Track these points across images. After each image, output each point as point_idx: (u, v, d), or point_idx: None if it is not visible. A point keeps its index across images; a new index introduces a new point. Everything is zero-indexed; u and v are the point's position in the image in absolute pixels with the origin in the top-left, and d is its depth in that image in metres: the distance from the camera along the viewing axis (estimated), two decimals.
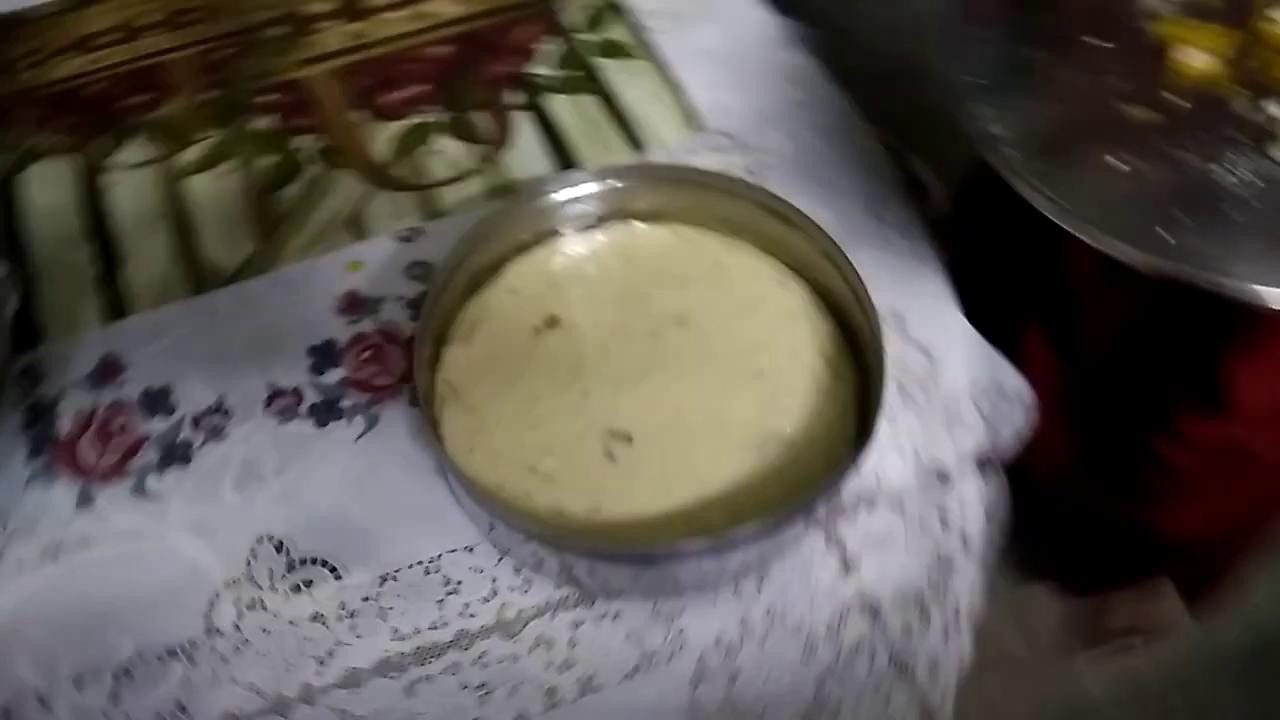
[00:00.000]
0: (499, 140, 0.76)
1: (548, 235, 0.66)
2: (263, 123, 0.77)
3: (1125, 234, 0.53)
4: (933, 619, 0.56)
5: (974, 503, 0.59)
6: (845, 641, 0.55)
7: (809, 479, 0.56)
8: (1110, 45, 0.62)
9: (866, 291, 0.58)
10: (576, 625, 0.56)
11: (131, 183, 0.74)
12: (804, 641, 0.55)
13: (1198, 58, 0.60)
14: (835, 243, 0.60)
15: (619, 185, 0.64)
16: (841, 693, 0.54)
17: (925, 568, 0.57)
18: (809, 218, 0.61)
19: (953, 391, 0.63)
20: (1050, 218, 0.54)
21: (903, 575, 0.57)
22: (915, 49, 0.70)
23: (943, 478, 0.60)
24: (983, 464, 0.61)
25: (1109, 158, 0.57)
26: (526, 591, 0.56)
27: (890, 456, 0.60)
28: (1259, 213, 0.54)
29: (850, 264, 0.60)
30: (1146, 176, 0.56)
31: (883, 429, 0.60)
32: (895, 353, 0.64)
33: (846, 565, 0.57)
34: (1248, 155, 0.57)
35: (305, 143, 0.76)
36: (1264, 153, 0.57)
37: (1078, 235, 0.53)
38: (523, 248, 0.65)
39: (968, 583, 0.57)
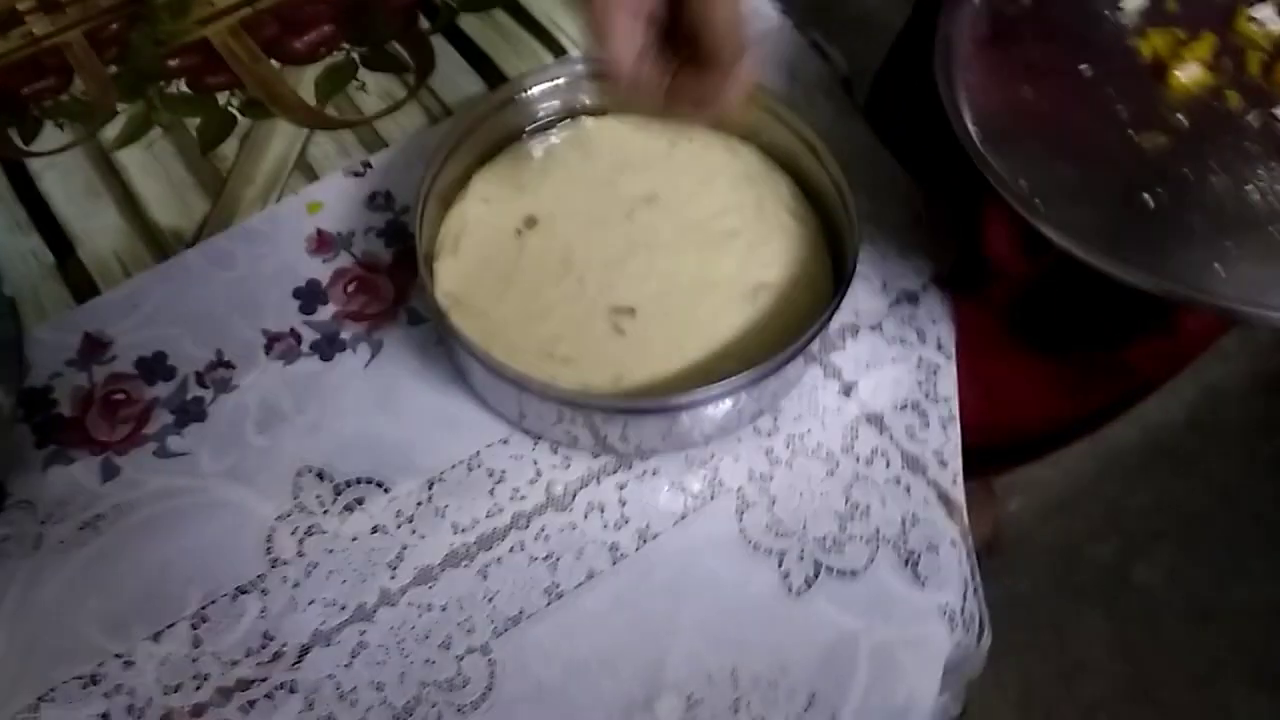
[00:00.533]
0: (422, 66, 0.77)
1: (504, 144, 0.68)
2: (177, 86, 0.76)
3: (1182, 275, 0.52)
4: (930, 417, 0.62)
5: (941, 313, 0.66)
6: (860, 453, 0.61)
7: (801, 317, 0.62)
8: (1104, 70, 0.61)
9: (819, 140, 0.63)
10: (621, 487, 0.60)
11: (60, 168, 0.72)
12: (825, 459, 0.61)
13: (1192, 70, 0.60)
14: (777, 99, 0.65)
15: (566, 82, 0.67)
16: (868, 495, 0.60)
17: (913, 376, 0.63)
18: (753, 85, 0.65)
19: (899, 224, 0.69)
20: (1121, 278, 0.52)
21: (895, 387, 0.63)
22: None
23: (910, 297, 0.66)
24: (940, 280, 0.67)
25: (1144, 195, 0.56)
26: (568, 467, 0.60)
27: (861, 288, 0.66)
28: None
29: (797, 117, 0.65)
30: (1183, 209, 0.55)
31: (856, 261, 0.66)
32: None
33: (846, 389, 0.63)
34: (1274, 169, 0.56)
35: (228, 98, 0.75)
36: None
37: (1143, 287, 0.51)
38: (483, 160, 0.68)
39: (950, 380, 0.63)
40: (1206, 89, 0.59)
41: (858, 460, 0.61)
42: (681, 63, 0.51)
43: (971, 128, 0.58)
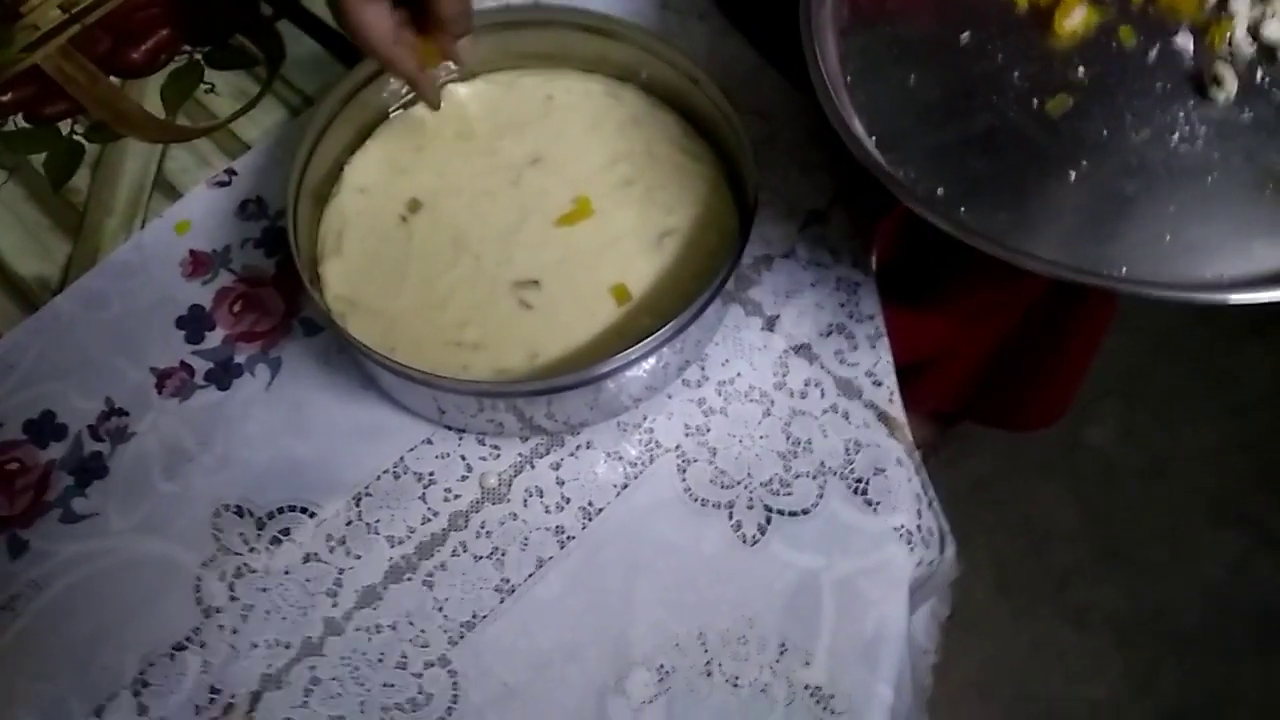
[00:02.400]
0: (273, 56, 0.72)
1: (372, 126, 0.64)
2: (15, 122, 0.70)
3: (1133, 254, 0.47)
4: (857, 337, 0.60)
5: (852, 228, 0.63)
6: (793, 387, 0.59)
7: (711, 257, 0.59)
8: (985, 34, 0.55)
9: (700, 71, 0.60)
10: (556, 467, 0.57)
11: None
12: (759, 400, 0.59)
13: (1077, 16, 0.54)
14: (655, 35, 0.62)
15: None
16: (807, 429, 0.58)
17: (834, 298, 0.61)
18: (624, 20, 0.62)
19: (797, 142, 0.66)
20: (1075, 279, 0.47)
21: (818, 312, 0.61)
22: None
23: (818, 217, 0.64)
24: (846, 195, 0.65)
25: (1071, 172, 0.50)
26: (498, 456, 0.58)
27: (766, 215, 0.64)
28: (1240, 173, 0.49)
29: (674, 50, 0.61)
30: (1110, 176, 0.50)
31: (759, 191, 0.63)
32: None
33: (769, 323, 0.61)
34: (1191, 109, 0.51)
35: (71, 127, 0.70)
36: (1206, 97, 0.51)
37: (1101, 286, 0.47)
38: (352, 147, 0.64)
39: (872, 296, 0.61)
40: (1095, 27, 0.54)
41: (792, 395, 0.59)
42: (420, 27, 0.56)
43: (866, 137, 0.52)
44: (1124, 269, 0.47)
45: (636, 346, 0.53)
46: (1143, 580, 1.30)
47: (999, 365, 0.87)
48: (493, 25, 0.64)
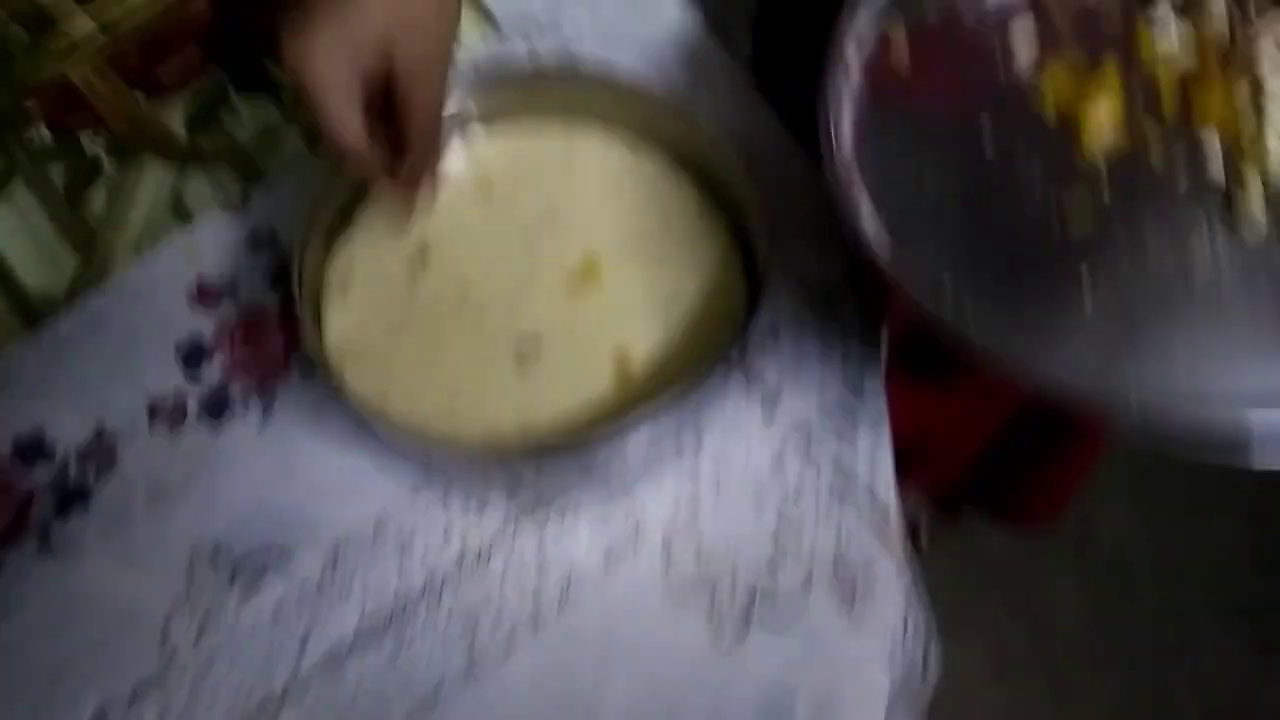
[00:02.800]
0: None
1: None
2: (39, 133, 0.70)
3: (1137, 375, 0.45)
4: (858, 418, 0.58)
5: (863, 309, 0.62)
6: (789, 465, 0.57)
7: (717, 328, 0.58)
8: (1006, 124, 0.53)
9: (721, 139, 0.59)
10: (540, 535, 0.56)
11: None
12: (752, 480, 0.57)
13: (1102, 113, 0.52)
14: (679, 99, 0.60)
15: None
16: (800, 512, 0.56)
17: (838, 375, 0.60)
18: (647, 83, 0.61)
19: (812, 213, 0.64)
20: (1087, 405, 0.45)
21: (822, 389, 0.59)
22: None
23: (831, 292, 0.62)
24: (860, 274, 0.63)
25: (1084, 290, 0.48)
26: (482, 516, 0.56)
27: (777, 288, 0.62)
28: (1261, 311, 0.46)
29: (696, 116, 0.60)
30: (1122, 287, 0.48)
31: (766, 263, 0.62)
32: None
33: (770, 396, 0.59)
34: (1213, 223, 0.49)
35: (92, 141, 0.70)
36: (1234, 229, 0.49)
37: (1090, 410, 0.46)
38: (367, 187, 0.63)
39: (877, 379, 0.60)
40: (1120, 128, 0.52)
41: (786, 478, 0.57)
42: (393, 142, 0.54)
43: (876, 222, 0.50)
44: (1130, 396, 0.44)
45: (631, 417, 0.52)
46: (1144, 678, 1.26)
47: (1002, 450, 0.84)
48: (519, 77, 0.63)
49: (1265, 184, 0.49)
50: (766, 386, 0.59)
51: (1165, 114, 0.52)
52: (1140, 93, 0.53)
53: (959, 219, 0.51)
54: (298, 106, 0.53)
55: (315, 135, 0.69)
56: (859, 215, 0.49)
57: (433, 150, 0.56)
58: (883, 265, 0.48)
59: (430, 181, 0.58)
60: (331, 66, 0.48)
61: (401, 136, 0.54)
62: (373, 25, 0.48)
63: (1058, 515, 0.94)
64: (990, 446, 0.84)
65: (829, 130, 0.51)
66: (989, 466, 0.87)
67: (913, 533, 1.32)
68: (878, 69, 0.55)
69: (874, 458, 0.58)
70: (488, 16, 0.74)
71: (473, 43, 0.72)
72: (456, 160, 0.63)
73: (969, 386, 0.71)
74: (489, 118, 0.64)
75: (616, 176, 0.63)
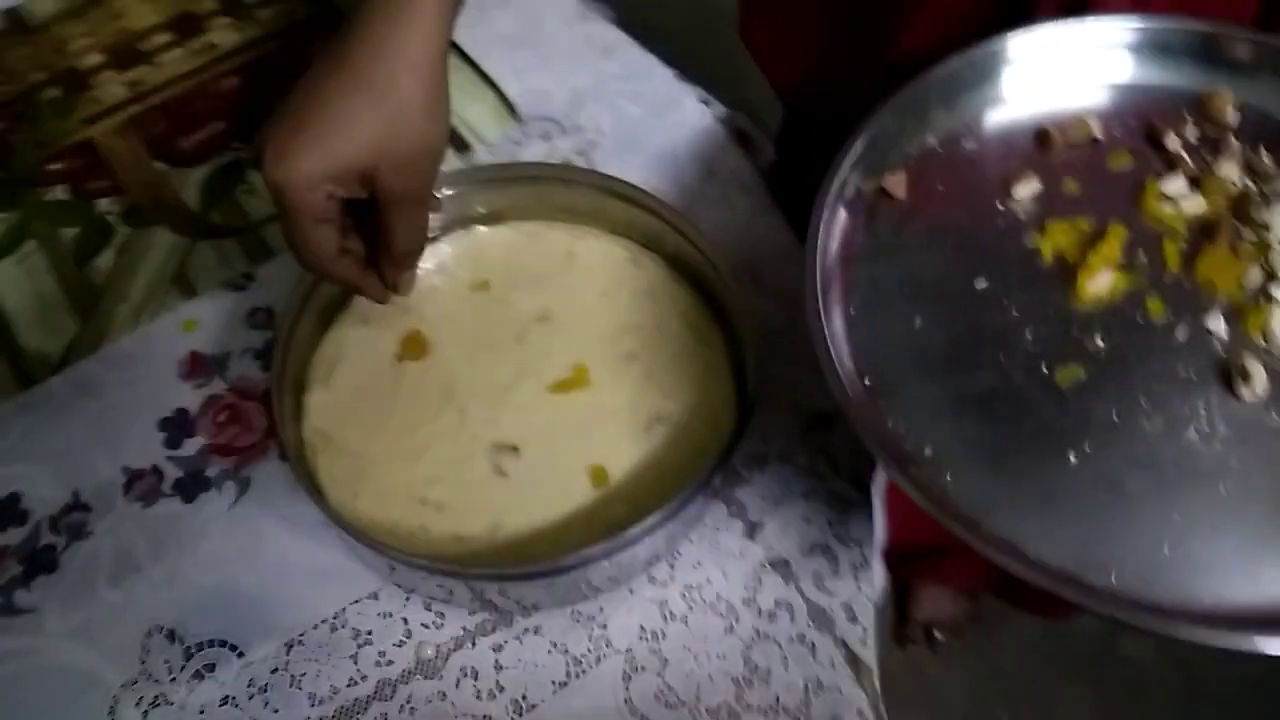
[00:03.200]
0: None
1: None
2: (57, 193, 0.72)
3: (1125, 561, 0.43)
4: (840, 563, 0.57)
5: (857, 441, 0.60)
6: (763, 605, 0.56)
7: (701, 452, 0.56)
8: (1002, 282, 0.51)
9: (718, 255, 0.58)
10: (498, 648, 0.55)
11: None
12: (724, 613, 0.55)
13: (1103, 280, 0.50)
14: (679, 213, 0.60)
15: (453, 193, 0.63)
16: (769, 654, 0.54)
17: (824, 514, 0.58)
18: (649, 193, 0.61)
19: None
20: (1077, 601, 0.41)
21: (805, 527, 0.58)
22: None
23: (824, 421, 0.61)
24: None
25: (1071, 453, 0.46)
26: (441, 625, 0.55)
27: (771, 411, 0.61)
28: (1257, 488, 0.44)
29: (697, 231, 0.60)
30: (1114, 466, 0.45)
31: (759, 385, 0.61)
32: (755, 307, 0.64)
33: (751, 528, 0.58)
34: (1212, 401, 0.46)
35: (108, 206, 0.71)
36: (1233, 391, 0.46)
37: (1077, 602, 0.41)
38: None
39: (865, 518, 0.58)
40: (1122, 295, 0.50)
41: (760, 614, 0.55)
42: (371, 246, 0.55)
43: (858, 379, 0.49)
44: (1112, 575, 0.42)
45: (600, 546, 0.50)
46: None
47: None
48: (525, 177, 0.63)
49: (1266, 341, 0.48)
50: (747, 517, 0.58)
51: (1169, 271, 0.51)
52: (1143, 250, 0.52)
53: (944, 370, 0.49)
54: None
55: None
56: (838, 373, 0.47)
57: (410, 264, 0.57)
58: (861, 435, 0.46)
59: (408, 280, 0.59)
60: (310, 195, 0.48)
61: (381, 246, 0.54)
62: (356, 155, 0.47)
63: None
64: None
65: (815, 274, 0.50)
66: None
67: (928, 634, 1.29)
68: (871, 209, 0.54)
69: (854, 604, 0.56)
70: (510, 108, 0.74)
71: (490, 133, 0.73)
72: (455, 255, 0.63)
73: None
74: (494, 216, 0.64)
75: (615, 282, 0.63)
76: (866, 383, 0.49)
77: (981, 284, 0.51)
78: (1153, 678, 1.31)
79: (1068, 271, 0.51)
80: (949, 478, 0.45)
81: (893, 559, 1.07)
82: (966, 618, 1.32)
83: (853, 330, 0.50)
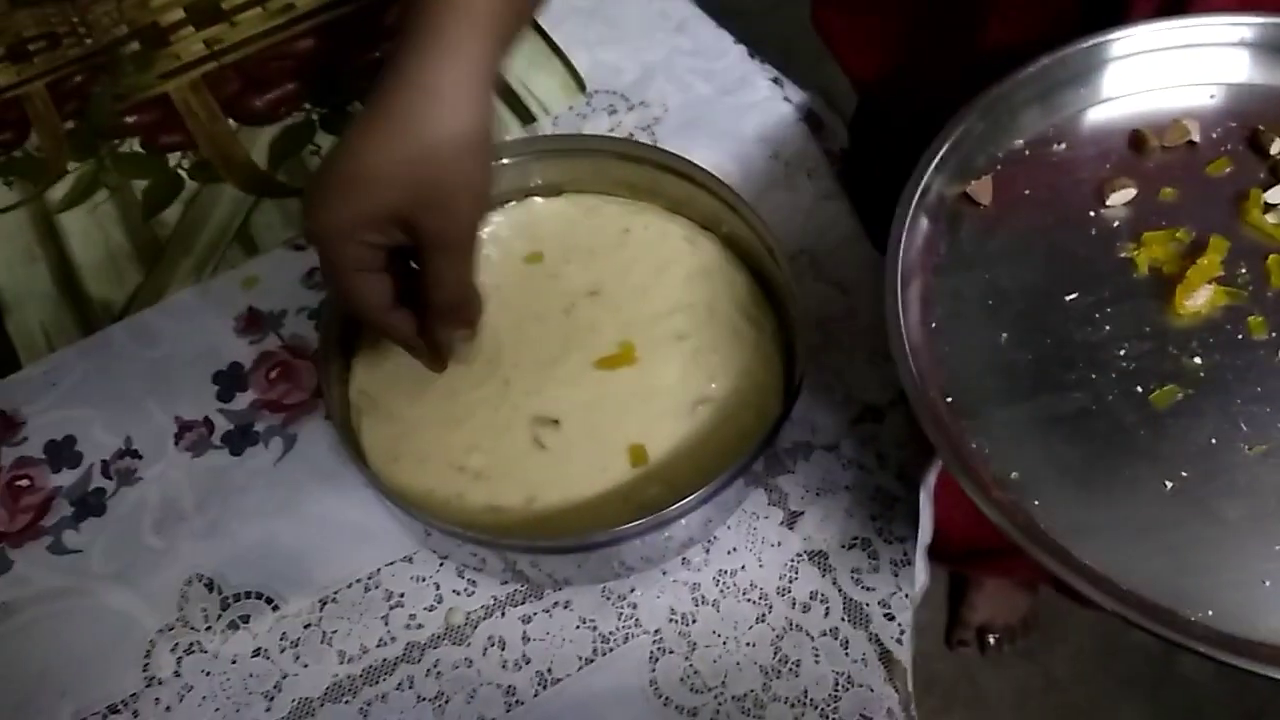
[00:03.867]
0: None
1: None
2: (130, 145, 0.73)
3: (1220, 596, 0.40)
4: (880, 559, 0.55)
5: (906, 434, 0.59)
6: (797, 596, 0.55)
7: (744, 437, 0.55)
8: (1094, 295, 0.49)
9: (775, 239, 0.57)
10: (527, 620, 0.54)
11: (2, 229, 0.70)
12: (757, 601, 0.54)
13: (1201, 296, 0.47)
14: (738, 194, 0.59)
15: (512, 162, 0.62)
16: (800, 646, 0.53)
17: (867, 509, 0.57)
18: (709, 172, 0.60)
19: (872, 326, 0.62)
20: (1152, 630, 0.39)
21: (846, 520, 0.56)
22: None
23: (874, 414, 0.59)
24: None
25: (1166, 480, 0.43)
26: (472, 593, 0.55)
27: (820, 400, 0.60)
28: None
29: (755, 214, 0.58)
30: (1213, 496, 0.43)
31: (810, 373, 0.59)
32: (812, 293, 0.63)
33: (790, 517, 0.57)
34: None
35: (178, 160, 0.72)
36: None
37: (1169, 639, 0.39)
38: None
39: (910, 515, 0.56)
40: (1221, 310, 0.48)
41: (794, 605, 0.54)
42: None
43: (940, 398, 0.46)
44: (1210, 611, 0.40)
45: (634, 525, 0.50)
46: None
47: None
48: (584, 150, 0.62)
49: None
50: (788, 506, 0.57)
51: (1272, 286, 0.48)
52: (1245, 263, 0.49)
53: (1032, 388, 0.47)
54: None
55: None
56: (923, 396, 0.45)
57: (456, 322, 0.52)
58: (943, 458, 0.44)
59: (464, 344, 0.56)
60: (347, 245, 0.46)
61: (423, 299, 0.50)
62: (388, 199, 0.45)
63: None
64: None
65: (896, 285, 0.47)
66: None
67: (980, 638, 1.27)
68: (954, 216, 0.52)
69: (891, 602, 0.54)
70: (577, 80, 0.74)
71: (556, 105, 0.73)
72: (510, 226, 0.63)
73: None
74: (551, 188, 0.64)
75: (669, 260, 0.62)
76: (949, 400, 0.46)
77: (1072, 297, 0.49)
78: (1209, 700, 1.26)
79: (1164, 285, 0.48)
80: (1037, 503, 0.43)
81: (946, 558, 1.05)
82: (1022, 624, 1.29)
83: (935, 345, 0.48)
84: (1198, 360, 0.46)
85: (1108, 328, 0.48)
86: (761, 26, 0.82)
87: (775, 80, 0.73)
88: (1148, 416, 0.45)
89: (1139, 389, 0.46)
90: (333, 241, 0.46)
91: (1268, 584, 0.41)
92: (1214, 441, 0.44)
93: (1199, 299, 0.48)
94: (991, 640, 1.28)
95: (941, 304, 0.50)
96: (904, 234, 0.49)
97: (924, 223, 0.51)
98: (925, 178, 0.51)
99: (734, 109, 0.72)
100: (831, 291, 0.64)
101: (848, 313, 0.63)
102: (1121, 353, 0.47)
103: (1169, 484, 0.44)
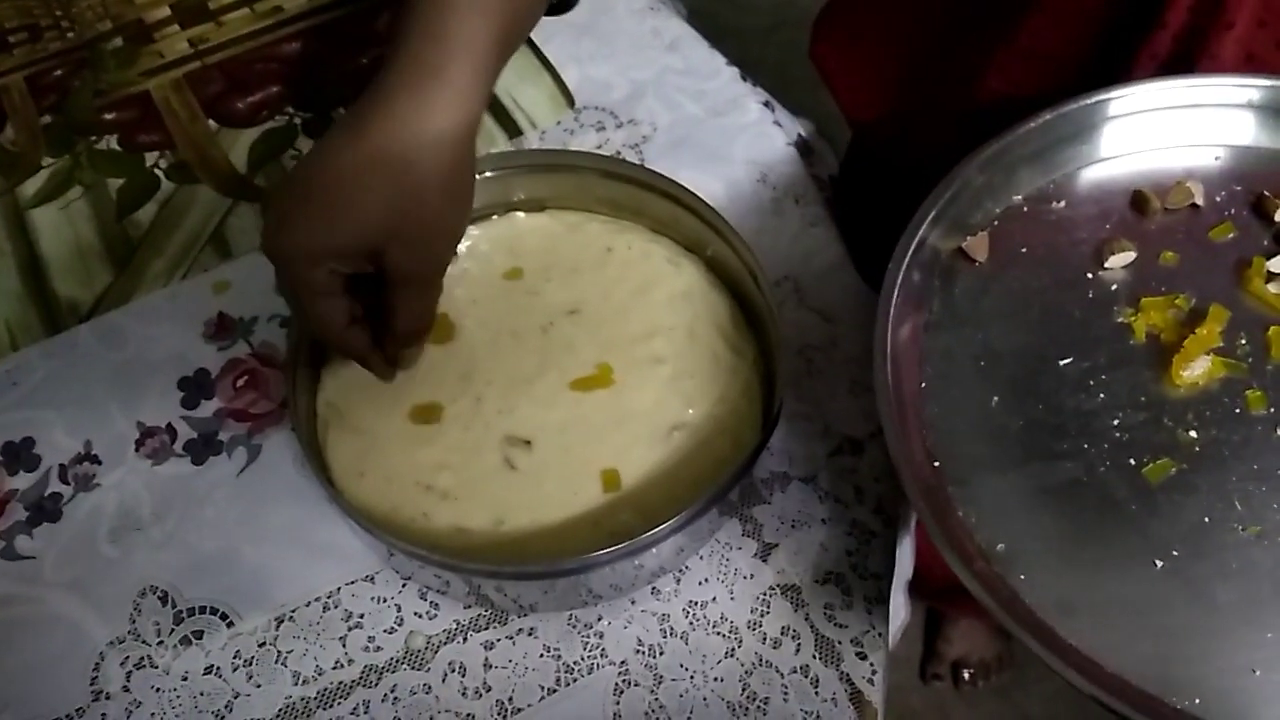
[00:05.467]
0: None
1: None
2: (108, 143, 0.72)
3: (1217, 690, 0.39)
4: (854, 595, 0.54)
5: (886, 469, 0.57)
6: (768, 631, 0.53)
7: (720, 465, 0.54)
8: (1089, 362, 0.48)
9: (759, 264, 0.56)
10: (490, 646, 0.53)
11: None
12: (727, 635, 0.53)
13: (1199, 367, 0.47)
14: (723, 217, 0.58)
15: (495, 176, 0.61)
16: (770, 683, 0.52)
17: (843, 543, 0.55)
18: (694, 194, 0.59)
19: (855, 356, 0.61)
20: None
21: (821, 553, 0.55)
22: None
23: (854, 446, 0.58)
24: None
25: (1156, 559, 0.42)
26: (434, 616, 0.54)
27: (799, 430, 0.58)
28: None
29: (740, 238, 0.57)
30: (1204, 578, 0.42)
31: (789, 402, 0.58)
32: (794, 320, 0.62)
33: (765, 549, 0.55)
34: None
35: (155, 160, 0.71)
36: None
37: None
38: None
39: (886, 551, 0.55)
40: (1220, 383, 0.46)
41: (764, 640, 0.53)
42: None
43: (927, 462, 0.45)
44: (1197, 700, 0.39)
45: (607, 550, 0.48)
46: None
47: None
48: (569, 166, 0.61)
49: None
50: (762, 538, 0.56)
51: (1272, 359, 0.47)
52: (1245, 334, 0.48)
53: (1022, 456, 0.45)
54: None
55: None
56: (910, 462, 0.44)
57: (414, 342, 0.53)
58: (929, 529, 0.42)
59: (412, 356, 0.55)
60: (312, 272, 0.45)
61: (385, 322, 0.49)
62: (363, 234, 0.44)
63: None
64: None
65: (885, 343, 0.46)
66: None
67: (955, 673, 1.25)
68: (948, 271, 0.51)
69: (864, 641, 0.53)
70: (566, 94, 0.73)
71: (544, 119, 0.71)
72: (491, 240, 0.62)
73: None
74: (534, 204, 0.63)
75: (651, 281, 0.60)
76: (935, 465, 0.45)
77: (1066, 362, 0.48)
78: None
79: (1161, 353, 0.47)
80: (1022, 577, 0.42)
81: (926, 593, 1.04)
82: (997, 659, 1.28)
83: (924, 406, 0.47)
84: (1193, 434, 0.45)
85: (1102, 396, 0.47)
86: (757, 50, 0.81)
87: (766, 104, 0.72)
88: (1140, 491, 0.44)
89: (1132, 461, 0.45)
90: (297, 266, 0.44)
91: (1258, 673, 0.39)
92: (1207, 520, 0.43)
93: (1196, 370, 0.46)
94: (966, 675, 1.27)
95: (931, 363, 0.48)
96: (896, 289, 0.48)
97: (917, 277, 0.50)
98: (920, 232, 0.50)
99: (723, 130, 0.71)
100: (814, 319, 0.62)
101: (830, 341, 0.62)
102: (1115, 422, 0.46)
103: (1159, 562, 0.42)
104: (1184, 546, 0.42)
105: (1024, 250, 0.52)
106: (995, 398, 0.47)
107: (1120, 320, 0.49)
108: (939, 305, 0.50)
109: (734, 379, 0.57)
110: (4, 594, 0.55)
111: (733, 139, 0.70)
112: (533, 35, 0.75)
